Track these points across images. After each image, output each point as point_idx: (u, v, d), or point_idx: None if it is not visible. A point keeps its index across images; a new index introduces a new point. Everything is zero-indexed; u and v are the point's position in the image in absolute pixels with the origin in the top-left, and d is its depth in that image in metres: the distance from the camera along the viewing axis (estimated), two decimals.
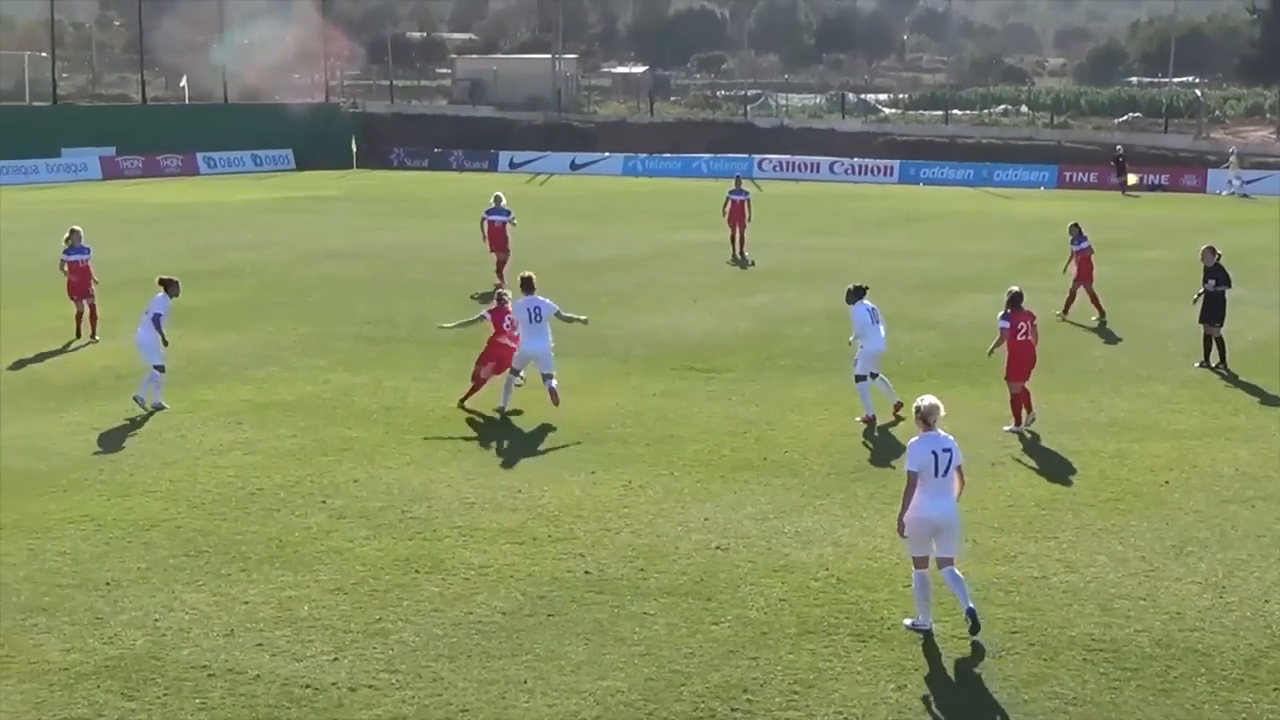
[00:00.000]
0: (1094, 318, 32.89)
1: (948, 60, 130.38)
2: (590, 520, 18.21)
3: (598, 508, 18.73)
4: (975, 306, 34.46)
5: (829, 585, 15.84)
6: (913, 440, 14.44)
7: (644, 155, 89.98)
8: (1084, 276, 33.47)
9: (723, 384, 26.18)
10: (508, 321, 24.03)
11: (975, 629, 14.32)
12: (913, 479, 14.18)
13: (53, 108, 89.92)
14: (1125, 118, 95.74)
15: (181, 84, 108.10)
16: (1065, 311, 33.28)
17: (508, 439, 22.27)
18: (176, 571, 16.31)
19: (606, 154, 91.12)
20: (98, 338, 30.32)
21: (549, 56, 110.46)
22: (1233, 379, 26.98)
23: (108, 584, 15.92)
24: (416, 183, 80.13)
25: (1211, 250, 28.48)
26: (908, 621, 14.77)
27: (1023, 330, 22.74)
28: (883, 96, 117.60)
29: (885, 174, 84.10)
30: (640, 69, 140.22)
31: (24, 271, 40.32)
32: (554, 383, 23.62)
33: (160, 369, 24.37)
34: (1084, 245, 33.61)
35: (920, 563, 14.51)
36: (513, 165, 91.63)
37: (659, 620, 14.95)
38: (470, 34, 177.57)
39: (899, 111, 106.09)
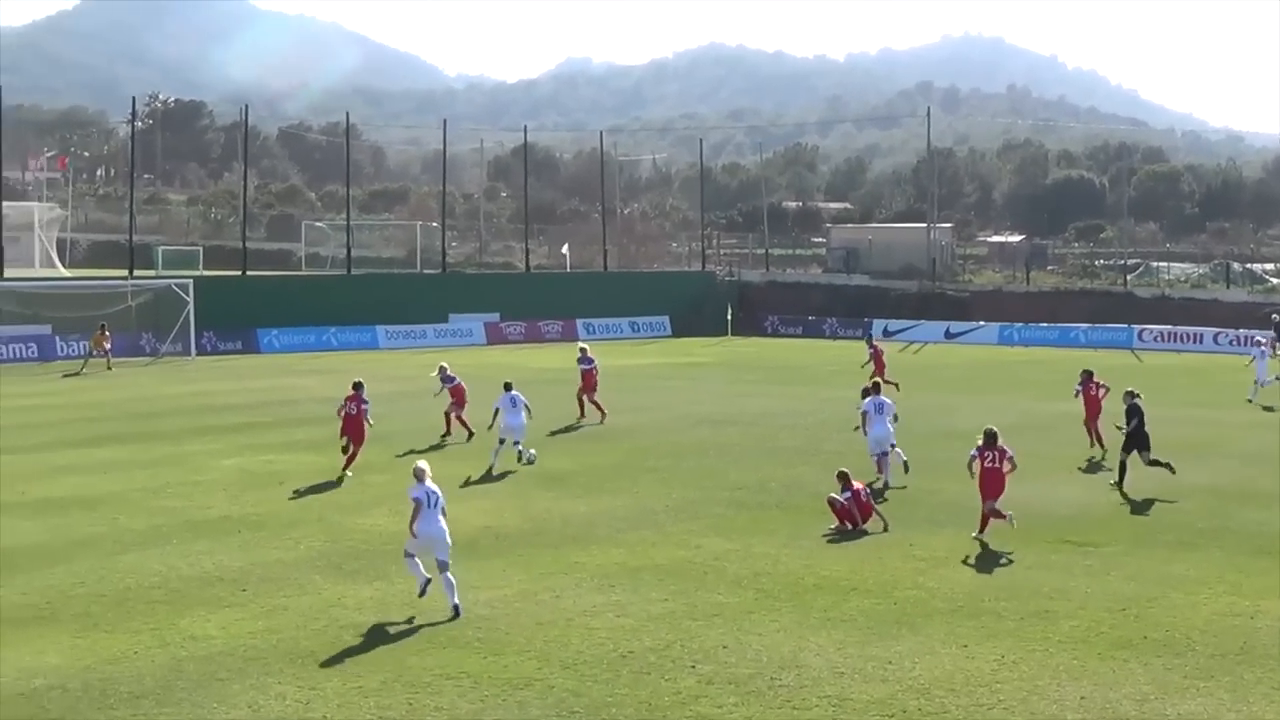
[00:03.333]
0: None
1: None
2: (962, 695, 17.84)
3: (970, 682, 18.34)
4: None
5: None
6: (411, 487, 21.94)
7: (1019, 324, 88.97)
8: (1092, 414, 38.79)
9: (1100, 558, 25.48)
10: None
11: (456, 615, 21.42)
12: (418, 505, 21.78)
13: (442, 275, 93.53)
14: None
15: (563, 252, 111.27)
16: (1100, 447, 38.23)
17: (879, 608, 22.02)
18: None
19: (981, 323, 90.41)
20: (349, 474, 34.38)
21: (924, 225, 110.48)
22: None
23: None
24: (790, 350, 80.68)
25: (1129, 394, 33.17)
26: (420, 578, 22.02)
27: (990, 458, 27.01)
28: (1269, 266, 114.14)
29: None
30: (1016, 237, 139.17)
31: (413, 431, 41.78)
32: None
33: (517, 443, 35.59)
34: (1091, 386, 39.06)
35: (410, 554, 22.26)
36: (886, 333, 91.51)
37: None
38: (846, 203, 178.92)
39: None
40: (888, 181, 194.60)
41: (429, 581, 21.86)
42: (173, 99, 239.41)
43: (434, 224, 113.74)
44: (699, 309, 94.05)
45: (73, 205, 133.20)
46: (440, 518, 21.87)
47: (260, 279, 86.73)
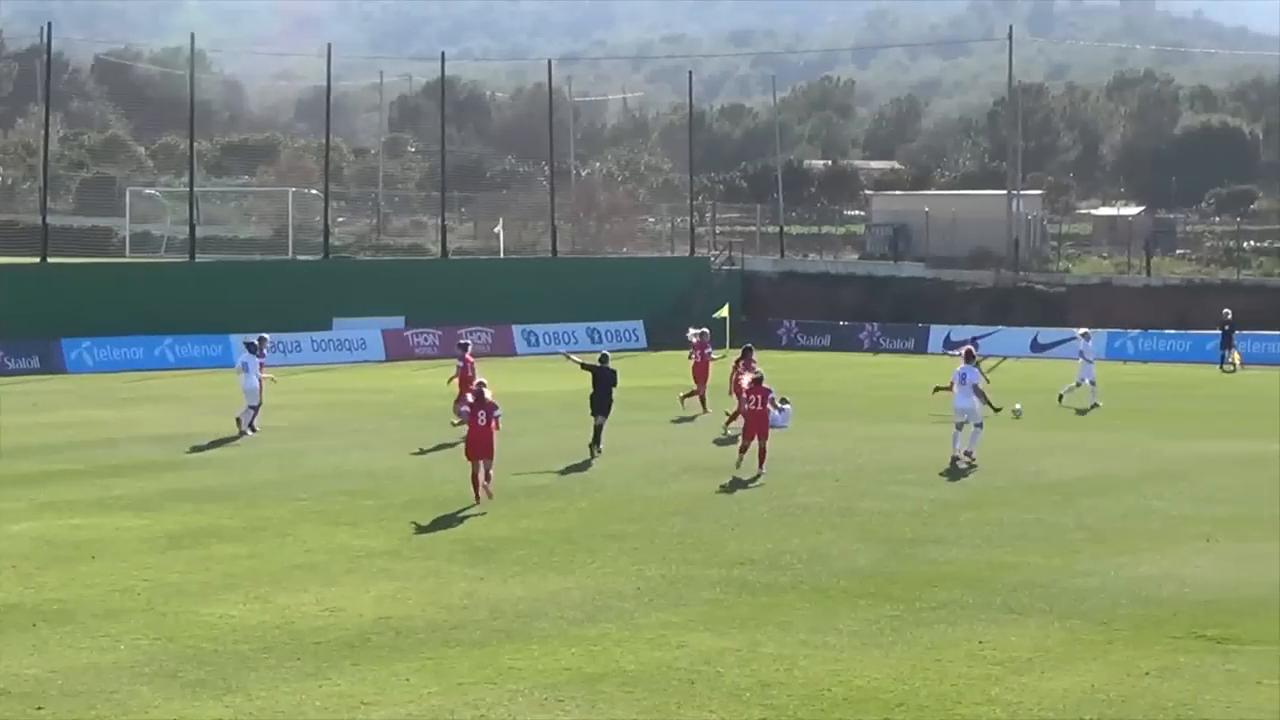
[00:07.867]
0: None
1: None
2: None
3: None
4: None
5: None
6: None
7: (1135, 332, 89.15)
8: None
9: (1249, 660, 25.52)
10: None
11: None
12: None
13: (324, 263, 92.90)
14: None
15: (496, 231, 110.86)
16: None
17: None
18: None
19: (1081, 329, 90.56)
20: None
21: (1002, 193, 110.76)
22: None
23: None
24: (813, 368, 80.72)
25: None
26: None
27: (753, 401, 43.77)
28: None
29: None
30: (1133, 210, 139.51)
31: (293, 480, 41.73)
32: None
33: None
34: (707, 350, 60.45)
35: None
36: (949, 344, 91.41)
37: None
38: (893, 162, 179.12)
39: None
40: (952, 132, 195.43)
41: None
42: None
43: (313, 190, 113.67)
44: (686, 310, 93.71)
45: None
46: None
47: (67, 269, 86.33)
